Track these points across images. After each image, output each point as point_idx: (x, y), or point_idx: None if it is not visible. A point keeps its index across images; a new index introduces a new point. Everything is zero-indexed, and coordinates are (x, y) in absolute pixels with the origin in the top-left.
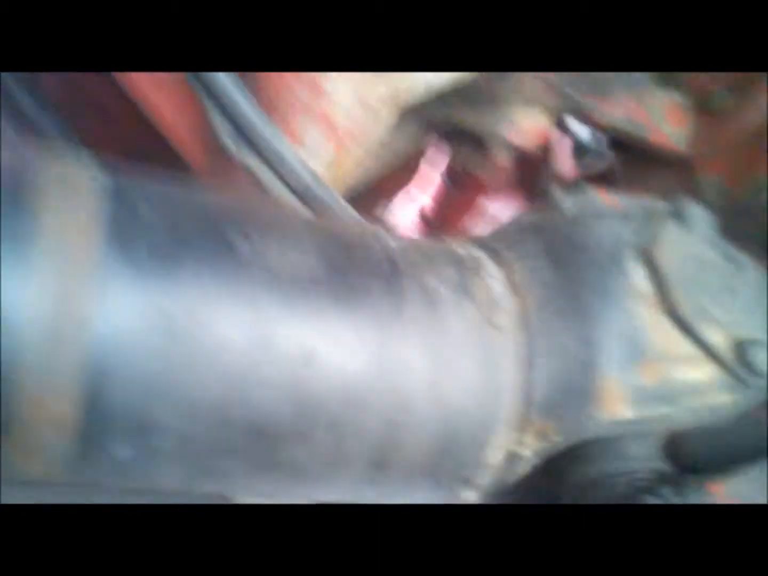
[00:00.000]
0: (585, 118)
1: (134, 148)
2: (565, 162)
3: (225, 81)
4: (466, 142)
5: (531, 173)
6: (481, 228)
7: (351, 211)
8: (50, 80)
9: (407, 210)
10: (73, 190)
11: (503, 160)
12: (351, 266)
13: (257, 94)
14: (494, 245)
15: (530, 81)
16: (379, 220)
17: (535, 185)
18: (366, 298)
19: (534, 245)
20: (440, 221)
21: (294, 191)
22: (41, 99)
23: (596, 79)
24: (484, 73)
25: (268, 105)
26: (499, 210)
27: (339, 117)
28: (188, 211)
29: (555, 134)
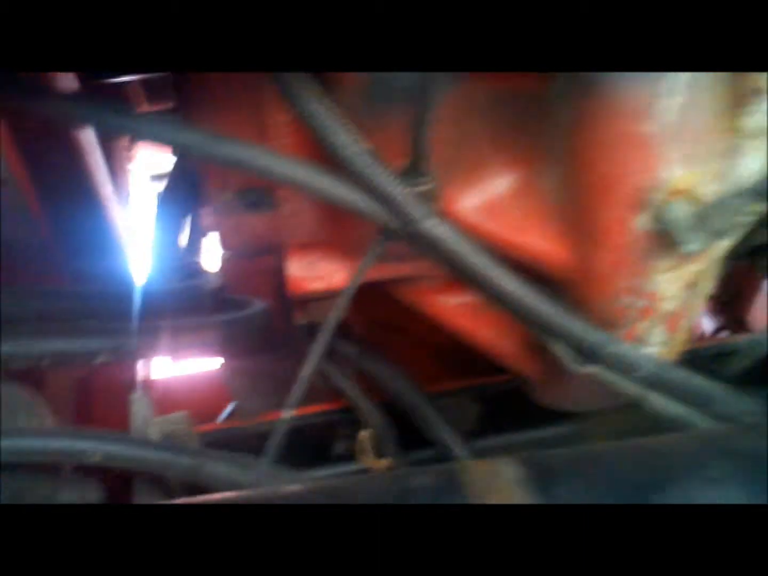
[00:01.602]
0: None
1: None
2: None
3: (548, 308)
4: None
5: None
6: None
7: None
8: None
9: None
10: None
11: None
12: None
13: (591, 313)
14: None
15: None
16: None
17: None
18: None
19: None
20: (730, 298)
21: (642, 382)
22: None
23: None
24: None
25: (601, 322)
26: None
27: (667, 306)
28: (596, 479)
29: None
